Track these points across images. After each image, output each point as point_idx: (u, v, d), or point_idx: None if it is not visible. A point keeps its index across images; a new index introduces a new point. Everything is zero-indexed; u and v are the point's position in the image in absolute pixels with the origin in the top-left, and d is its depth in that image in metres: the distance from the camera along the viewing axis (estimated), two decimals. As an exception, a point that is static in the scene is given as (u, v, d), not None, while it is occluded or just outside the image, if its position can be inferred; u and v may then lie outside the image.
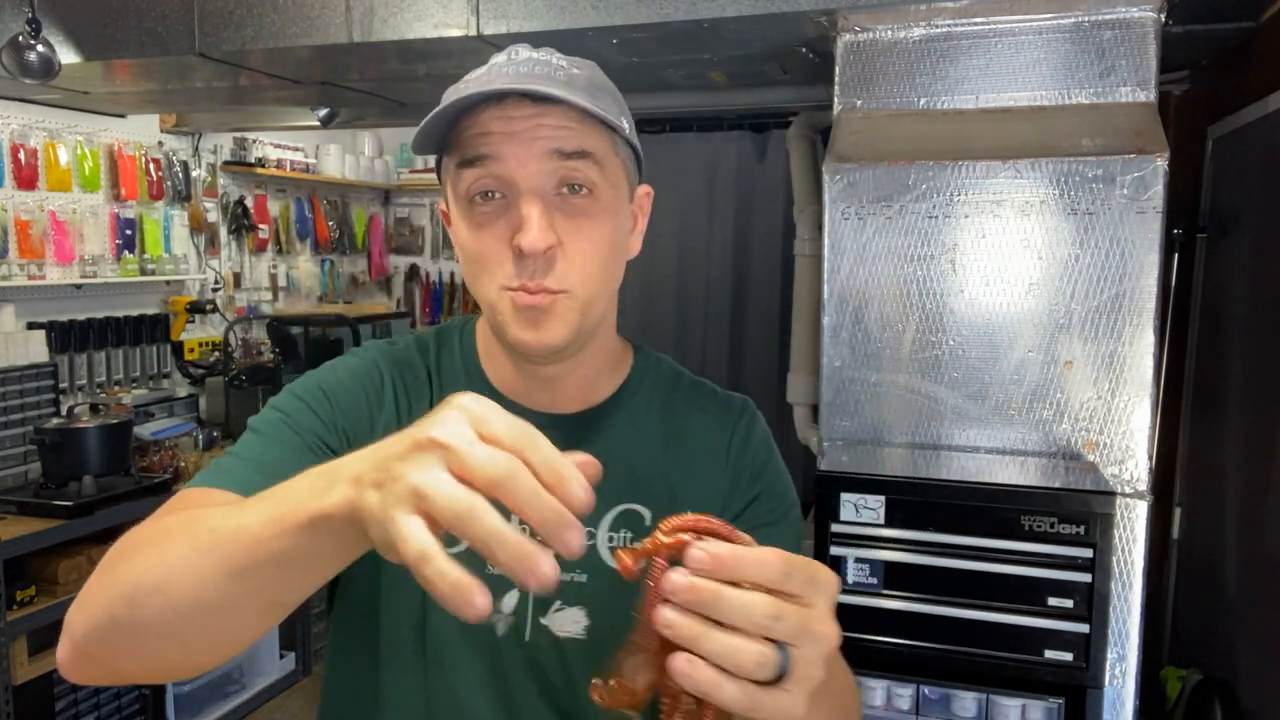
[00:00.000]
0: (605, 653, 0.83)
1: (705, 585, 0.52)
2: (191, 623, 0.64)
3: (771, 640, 0.52)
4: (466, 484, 0.50)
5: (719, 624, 0.52)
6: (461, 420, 0.52)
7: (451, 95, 0.80)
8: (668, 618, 0.52)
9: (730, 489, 0.94)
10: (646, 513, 0.91)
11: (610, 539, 0.90)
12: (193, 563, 0.63)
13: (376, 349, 0.96)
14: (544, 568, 0.50)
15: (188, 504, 0.79)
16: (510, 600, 0.88)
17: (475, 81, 0.81)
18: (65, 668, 0.71)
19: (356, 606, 0.90)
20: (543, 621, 0.88)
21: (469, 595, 0.49)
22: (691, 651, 0.52)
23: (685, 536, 0.55)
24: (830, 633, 0.54)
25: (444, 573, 0.49)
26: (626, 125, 0.86)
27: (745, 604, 0.52)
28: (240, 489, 0.77)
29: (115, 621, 0.66)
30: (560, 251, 0.81)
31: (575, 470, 0.52)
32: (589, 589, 0.88)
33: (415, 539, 0.50)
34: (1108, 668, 1.77)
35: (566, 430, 0.90)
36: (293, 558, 0.59)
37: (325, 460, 0.84)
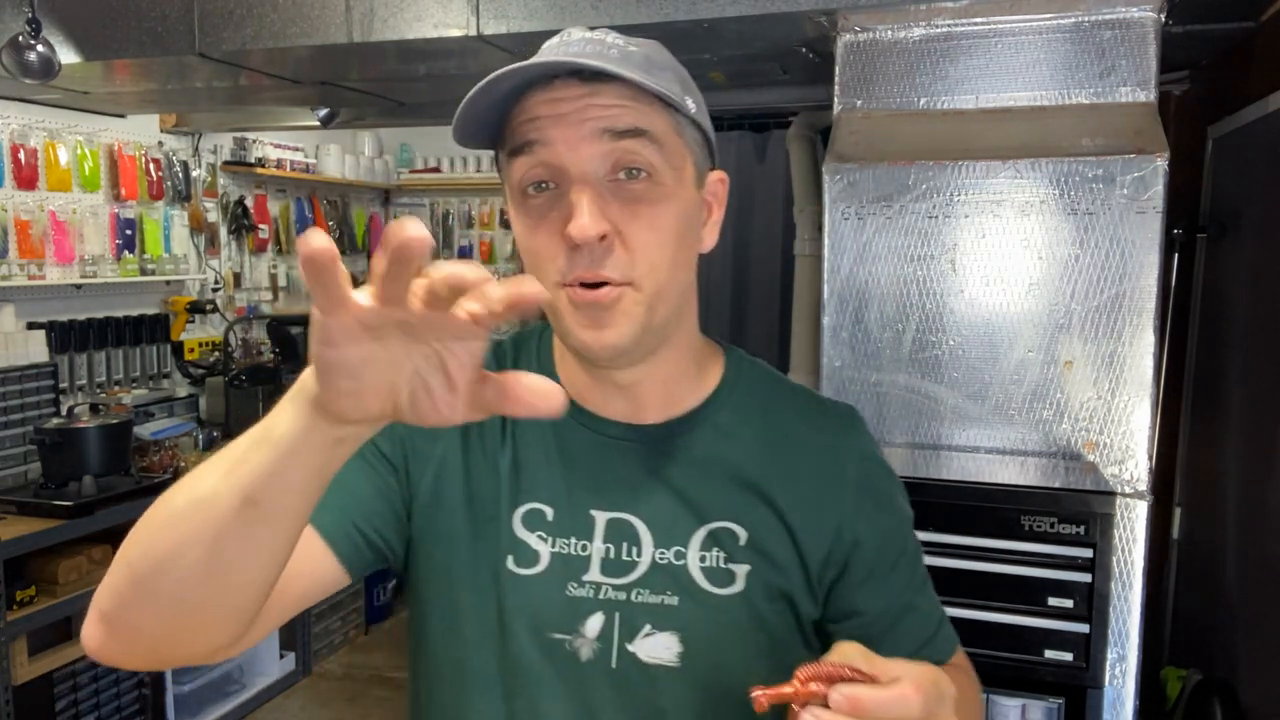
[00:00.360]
0: (701, 682, 0.80)
1: None
2: (187, 586, 0.63)
3: None
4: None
5: None
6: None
7: (491, 79, 0.75)
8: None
9: (852, 520, 0.85)
10: (742, 532, 0.83)
11: (702, 559, 0.82)
12: (177, 525, 0.63)
13: None
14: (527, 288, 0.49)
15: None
16: (594, 625, 0.82)
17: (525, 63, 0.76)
18: (95, 645, 0.69)
19: (434, 636, 0.86)
20: (629, 647, 0.81)
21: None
22: None
23: (819, 687, 0.60)
24: None
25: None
26: (692, 104, 0.78)
27: None
28: None
29: (124, 597, 0.66)
30: (618, 240, 0.74)
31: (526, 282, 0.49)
32: (681, 613, 0.81)
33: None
34: (1108, 668, 1.77)
35: (650, 442, 0.84)
36: (261, 488, 0.59)
37: (379, 468, 0.85)
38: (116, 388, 3.74)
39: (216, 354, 4.13)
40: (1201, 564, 2.44)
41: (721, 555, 0.82)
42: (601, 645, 0.81)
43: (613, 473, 0.84)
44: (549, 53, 0.76)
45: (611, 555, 0.82)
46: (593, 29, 0.79)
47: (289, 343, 4.07)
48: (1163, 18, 1.76)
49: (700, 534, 0.82)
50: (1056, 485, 1.79)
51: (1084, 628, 1.77)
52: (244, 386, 3.89)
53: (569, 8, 1.99)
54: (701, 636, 0.81)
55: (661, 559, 0.82)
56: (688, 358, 0.87)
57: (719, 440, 0.85)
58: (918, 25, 1.87)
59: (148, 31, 2.33)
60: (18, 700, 2.70)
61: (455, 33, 2.11)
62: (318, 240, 0.47)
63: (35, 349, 3.26)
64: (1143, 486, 1.75)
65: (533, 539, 0.83)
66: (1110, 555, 1.75)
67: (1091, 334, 1.75)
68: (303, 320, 4.28)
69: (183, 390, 4.06)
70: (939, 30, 1.87)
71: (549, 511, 0.84)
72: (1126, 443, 1.75)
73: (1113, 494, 1.76)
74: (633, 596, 0.82)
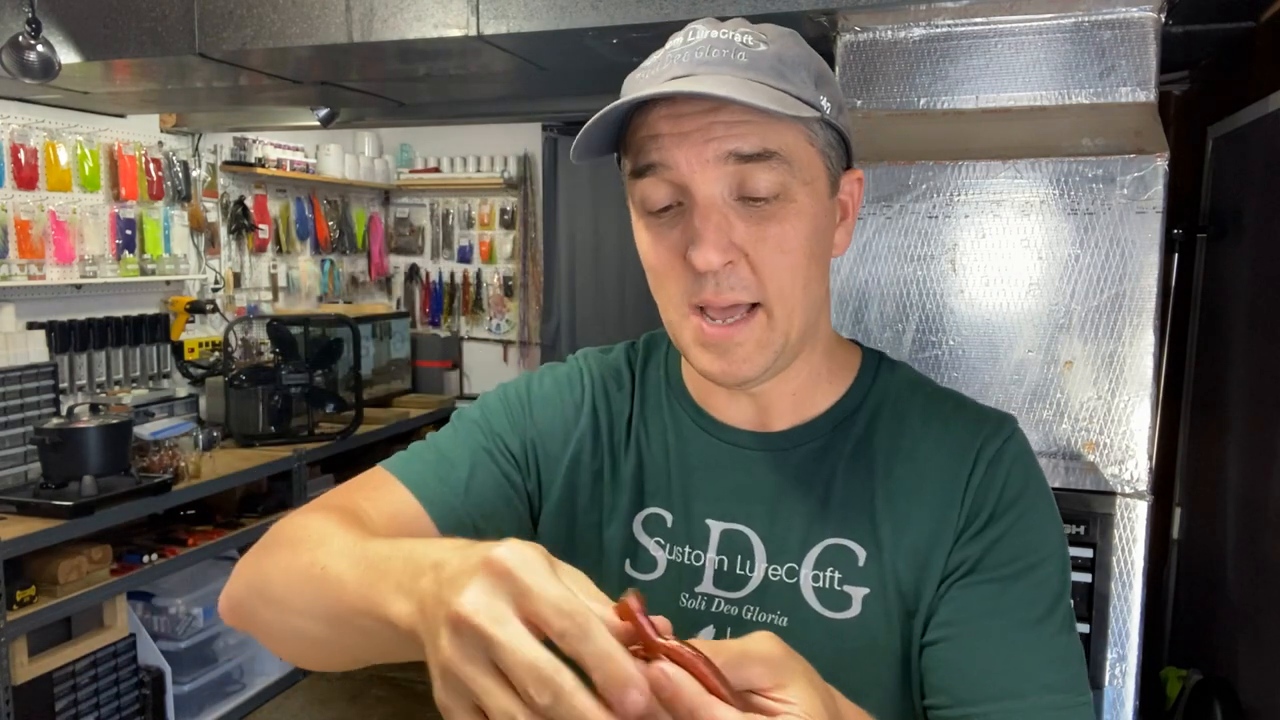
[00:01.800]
0: None
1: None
2: (298, 642, 0.68)
3: None
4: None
5: None
6: (497, 599, 0.46)
7: (626, 90, 0.72)
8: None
9: (962, 528, 0.76)
10: (860, 551, 0.77)
11: (815, 578, 0.77)
12: (304, 593, 0.65)
13: (589, 357, 0.90)
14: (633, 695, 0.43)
15: (369, 487, 0.81)
16: (705, 638, 0.76)
17: (647, 72, 0.73)
18: (223, 613, 0.74)
19: None
20: None
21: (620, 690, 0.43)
22: None
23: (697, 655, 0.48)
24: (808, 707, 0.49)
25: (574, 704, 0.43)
26: (826, 104, 0.73)
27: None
28: (416, 487, 0.80)
29: (251, 607, 0.71)
30: (745, 262, 0.71)
31: (631, 670, 0.44)
32: (791, 635, 0.75)
33: None
34: (1108, 668, 1.77)
35: (770, 451, 0.81)
36: (372, 636, 0.58)
37: (505, 466, 0.84)
38: (116, 388, 3.74)
39: (216, 354, 4.13)
40: (1201, 564, 2.44)
41: (837, 576, 0.77)
42: None
43: (730, 481, 0.82)
44: (672, 58, 0.72)
45: (725, 568, 0.80)
46: (723, 19, 0.75)
47: (289, 343, 4.07)
48: (1163, 18, 1.76)
49: (815, 551, 0.78)
50: (1056, 485, 1.79)
51: (1084, 628, 1.76)
52: (244, 386, 3.88)
53: (569, 8, 1.99)
54: (809, 657, 0.76)
55: (774, 576, 0.79)
56: (821, 365, 0.82)
57: (842, 450, 0.80)
58: (918, 25, 1.87)
59: (148, 31, 2.33)
60: (18, 700, 2.70)
61: (455, 33, 2.11)
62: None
63: (35, 349, 3.26)
64: (1143, 486, 1.75)
65: (651, 544, 0.82)
66: (1110, 555, 1.75)
67: (1091, 334, 1.75)
68: (302, 320, 4.29)
69: (183, 390, 4.06)
70: (939, 30, 1.87)
71: (668, 518, 0.82)
72: (1126, 443, 1.75)
73: (1113, 494, 1.76)
74: (744, 613, 0.79)
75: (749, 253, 0.71)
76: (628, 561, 0.82)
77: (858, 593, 0.77)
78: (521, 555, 0.47)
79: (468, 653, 0.46)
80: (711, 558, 0.80)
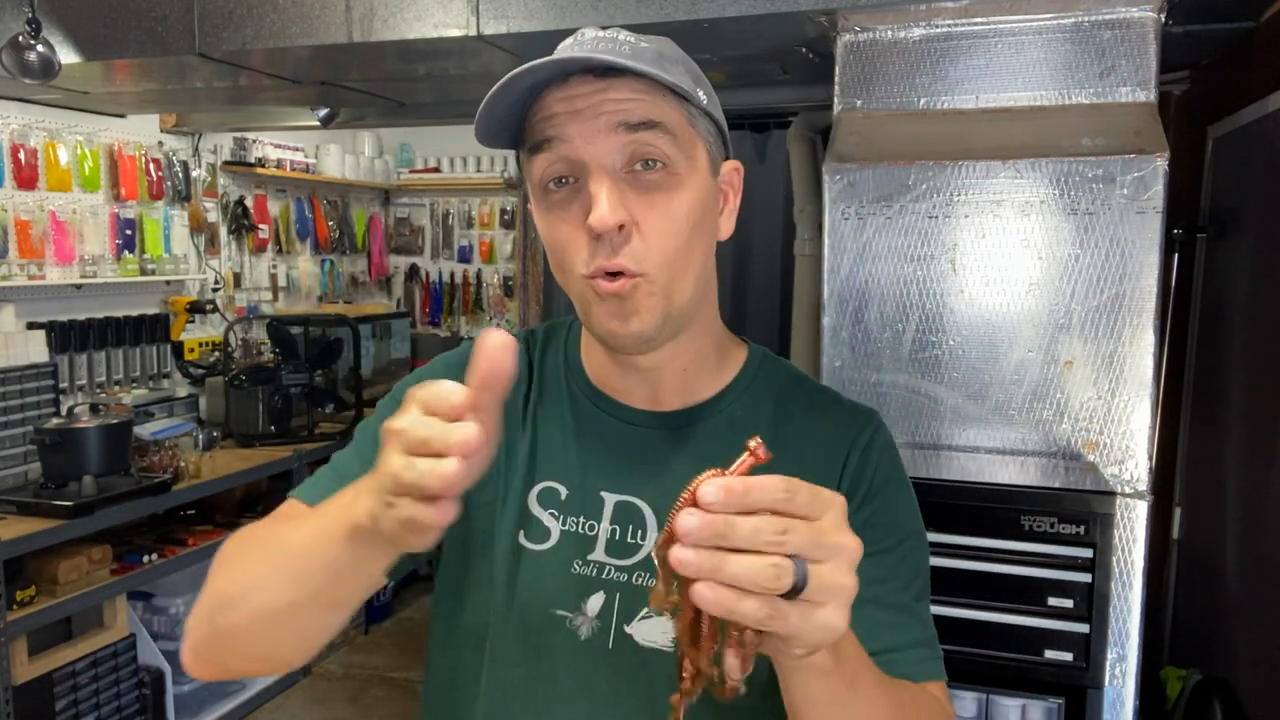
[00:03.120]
0: None
1: (714, 517, 0.52)
2: (272, 625, 0.73)
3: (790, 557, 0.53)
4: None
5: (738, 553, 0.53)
6: (413, 407, 0.59)
7: (506, 80, 0.77)
8: (682, 557, 0.52)
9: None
10: None
11: None
12: (265, 573, 0.73)
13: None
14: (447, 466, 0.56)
15: (280, 517, 0.87)
16: (595, 603, 0.84)
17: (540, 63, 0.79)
18: (189, 669, 0.80)
19: (449, 605, 0.89)
20: (627, 629, 0.83)
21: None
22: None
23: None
24: (847, 541, 0.55)
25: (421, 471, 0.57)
26: (703, 96, 0.80)
27: (753, 527, 0.52)
28: (314, 503, 0.84)
29: (216, 629, 0.76)
30: (635, 230, 0.76)
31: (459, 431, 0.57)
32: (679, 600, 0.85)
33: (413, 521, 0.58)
34: (1108, 668, 1.77)
35: (664, 429, 0.87)
36: (342, 563, 0.67)
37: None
38: (116, 388, 3.74)
39: (216, 354, 4.13)
40: (1201, 564, 2.44)
41: None
42: (600, 624, 0.83)
43: (626, 456, 0.87)
44: (563, 52, 0.78)
45: (617, 536, 0.85)
46: (605, 28, 0.81)
47: (289, 343, 4.07)
48: (1163, 18, 1.76)
49: None
50: (1056, 485, 1.79)
51: (1084, 628, 1.77)
52: (244, 386, 3.88)
53: (569, 8, 1.99)
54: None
55: None
56: (709, 346, 0.89)
57: (730, 431, 0.87)
58: (918, 25, 1.87)
59: (148, 31, 2.33)
60: (18, 700, 2.70)
61: (455, 33, 2.11)
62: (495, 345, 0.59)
63: (35, 349, 3.26)
64: (1143, 486, 1.75)
65: (545, 516, 0.86)
66: (1110, 555, 1.75)
67: (1091, 334, 1.75)
68: (302, 320, 4.29)
69: (183, 390, 4.06)
70: (939, 30, 1.87)
71: (562, 491, 0.86)
72: (1126, 443, 1.75)
73: (1113, 494, 1.76)
74: (634, 579, 0.83)
75: (639, 219, 0.76)
76: (521, 533, 0.86)
77: None
78: (430, 384, 0.60)
79: (391, 452, 0.59)
80: (605, 527, 0.85)
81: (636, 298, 0.77)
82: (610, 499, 0.86)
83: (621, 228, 0.75)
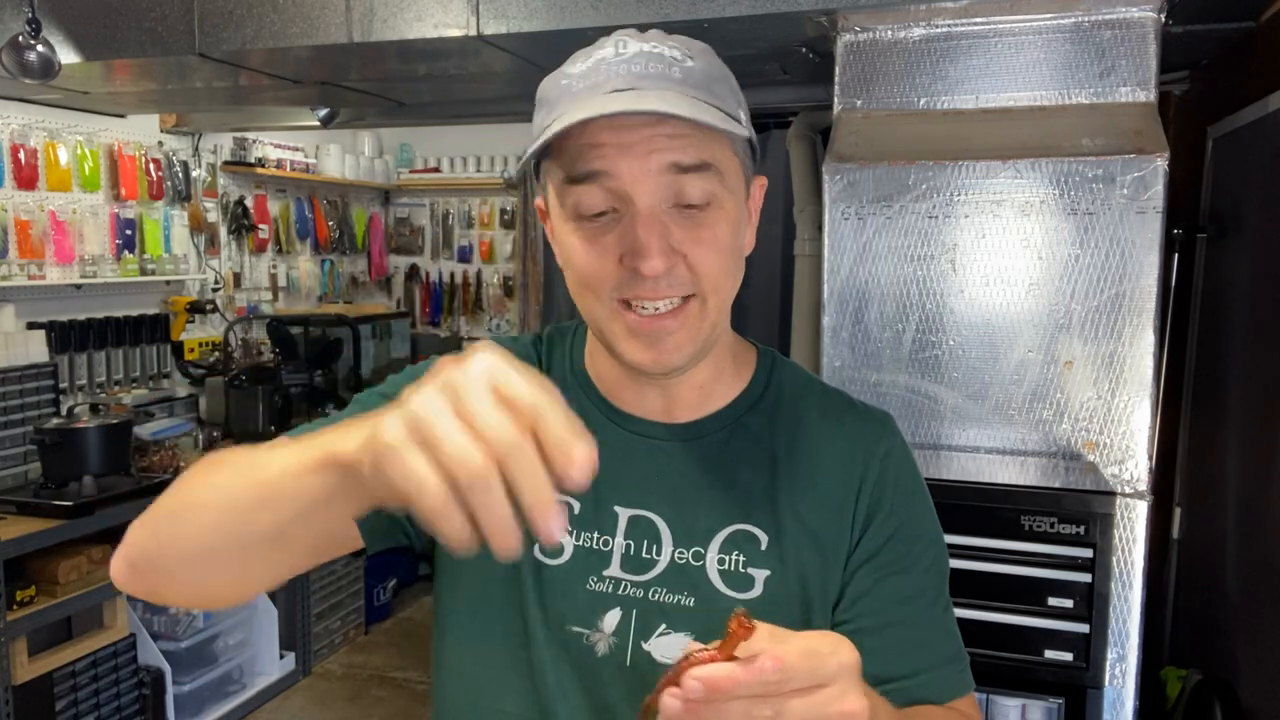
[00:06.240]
0: None
1: (698, 708, 0.51)
2: (213, 547, 0.69)
3: None
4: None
5: None
6: (481, 375, 0.51)
7: (555, 96, 0.75)
8: None
9: (864, 523, 0.84)
10: (763, 536, 0.82)
11: (720, 561, 0.82)
12: (231, 483, 0.68)
13: (493, 347, 0.91)
14: (552, 524, 0.49)
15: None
16: (611, 619, 0.82)
17: (581, 80, 0.76)
18: (116, 578, 0.76)
19: (459, 621, 0.87)
20: (645, 646, 0.81)
21: (536, 520, 0.49)
22: None
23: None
24: (856, 708, 0.54)
25: (491, 505, 0.48)
26: (744, 116, 0.80)
27: (742, 712, 0.52)
28: None
29: (157, 539, 0.73)
30: (683, 263, 0.76)
31: (583, 447, 0.50)
32: (697, 615, 0.81)
33: (417, 474, 0.49)
34: (1108, 668, 1.77)
35: (677, 441, 0.85)
36: (306, 495, 0.62)
37: None
38: (116, 388, 3.74)
39: (216, 354, 4.13)
40: (1201, 564, 2.44)
41: (741, 559, 0.82)
42: (617, 641, 0.82)
43: (639, 470, 0.85)
44: (607, 69, 0.75)
45: (631, 552, 0.83)
46: (644, 34, 0.79)
47: (289, 343, 4.07)
48: (1163, 18, 1.76)
49: (721, 536, 0.82)
50: (1056, 485, 1.79)
51: (1084, 628, 1.77)
52: (244, 386, 3.88)
53: (569, 8, 1.99)
54: (715, 636, 0.82)
55: (680, 559, 0.82)
56: (725, 358, 0.88)
57: (744, 441, 0.86)
58: (918, 25, 1.87)
59: (148, 31, 2.33)
60: (18, 700, 2.70)
61: (455, 33, 2.11)
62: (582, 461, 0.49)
63: (35, 349, 3.26)
64: (1143, 486, 1.75)
65: None
66: (1110, 555, 1.75)
67: (1091, 334, 1.75)
68: (302, 320, 4.29)
69: (183, 390, 4.06)
70: (939, 30, 1.87)
71: (576, 505, 0.84)
72: (1126, 443, 1.75)
73: (1113, 494, 1.76)
74: (650, 595, 0.82)
75: (686, 253, 0.76)
76: (536, 547, 0.84)
77: (760, 574, 0.82)
78: (487, 359, 0.52)
79: (435, 404, 0.50)
80: (619, 542, 0.84)
81: (680, 320, 0.76)
82: (624, 514, 0.84)
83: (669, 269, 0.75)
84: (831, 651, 0.55)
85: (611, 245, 0.75)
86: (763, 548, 0.82)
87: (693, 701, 0.51)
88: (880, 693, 0.74)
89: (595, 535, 0.84)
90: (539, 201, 0.84)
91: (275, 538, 0.66)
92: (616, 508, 0.84)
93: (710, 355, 0.84)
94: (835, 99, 1.94)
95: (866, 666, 0.77)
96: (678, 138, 0.73)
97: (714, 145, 0.76)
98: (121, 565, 0.75)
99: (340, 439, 0.59)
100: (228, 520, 0.67)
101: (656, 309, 0.76)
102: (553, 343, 0.93)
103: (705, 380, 0.86)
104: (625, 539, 0.83)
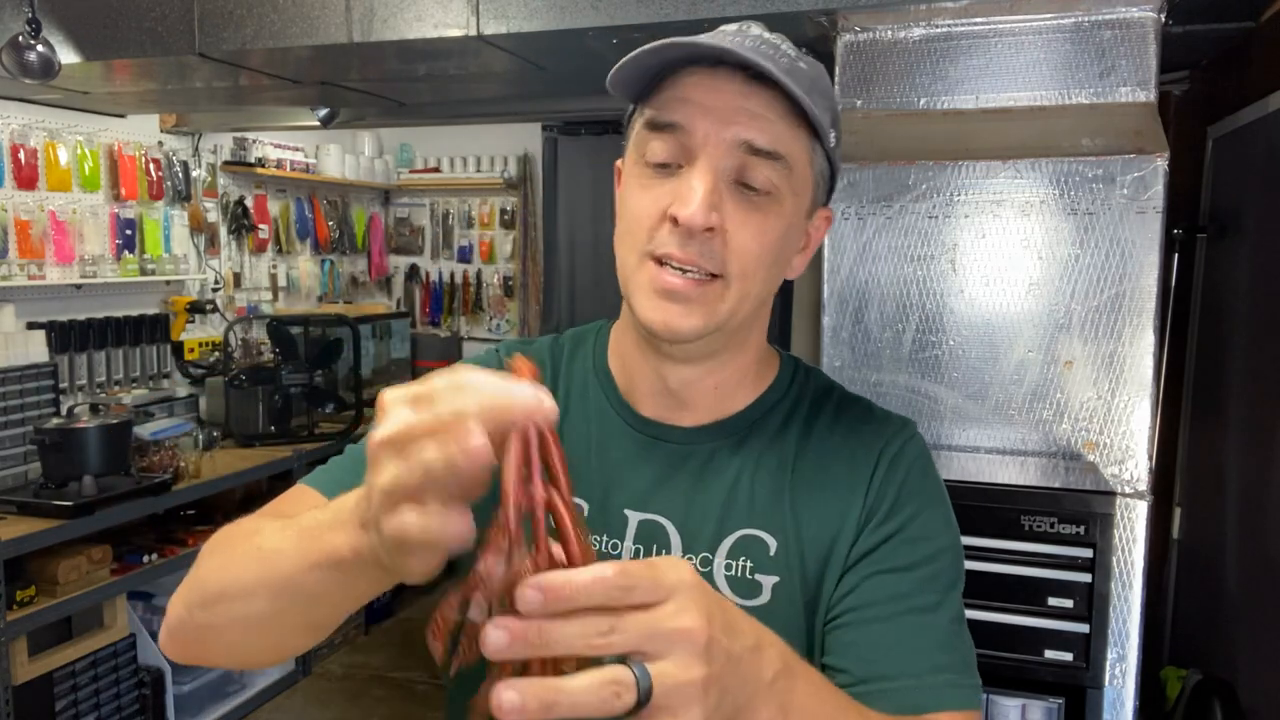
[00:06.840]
0: None
1: (525, 627, 0.46)
2: (246, 632, 0.70)
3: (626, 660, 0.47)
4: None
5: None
6: (396, 411, 0.51)
7: (666, 43, 0.75)
8: (503, 700, 0.45)
9: (864, 522, 0.81)
10: (771, 541, 0.81)
11: (728, 567, 0.81)
12: (244, 577, 0.68)
13: (504, 350, 0.92)
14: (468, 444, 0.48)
15: (288, 502, 0.83)
16: None
17: (701, 37, 0.76)
18: (165, 650, 0.77)
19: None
20: None
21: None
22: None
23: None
24: (691, 625, 0.48)
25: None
26: (834, 136, 0.79)
27: (572, 632, 0.46)
28: (331, 492, 0.79)
29: (193, 621, 0.73)
30: (721, 236, 0.75)
31: (479, 438, 0.48)
32: None
33: (416, 530, 0.50)
34: (1108, 668, 1.77)
35: (689, 444, 0.84)
36: (320, 589, 0.62)
37: None
38: (116, 388, 3.74)
39: (216, 354, 4.13)
40: (1201, 564, 2.44)
41: (749, 565, 0.81)
42: None
43: (649, 473, 0.84)
44: (730, 39, 0.75)
45: (640, 556, 0.83)
46: (771, 31, 0.80)
47: (289, 343, 4.07)
48: (1163, 18, 1.76)
49: (728, 542, 0.81)
50: (1056, 485, 1.79)
51: (1084, 628, 1.77)
52: (244, 386, 3.88)
53: (569, 8, 1.99)
54: None
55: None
56: (750, 365, 0.87)
57: (759, 446, 0.84)
58: (918, 25, 1.87)
59: (148, 31, 2.33)
60: (18, 700, 2.70)
61: (455, 33, 2.11)
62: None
63: (35, 349, 3.26)
64: (1143, 486, 1.75)
65: None
66: (1110, 555, 1.75)
67: (1091, 334, 1.75)
68: (302, 320, 4.29)
69: (183, 390, 4.06)
70: (939, 30, 1.87)
71: (585, 507, 0.84)
72: (1126, 443, 1.75)
73: (1113, 494, 1.76)
74: None
75: (728, 229, 0.75)
76: None
77: (768, 581, 0.81)
78: (400, 388, 0.53)
79: (382, 468, 0.51)
80: (628, 546, 0.83)
81: (699, 294, 0.75)
82: (634, 517, 0.83)
83: (709, 230, 0.74)
84: (671, 566, 0.50)
85: (662, 196, 0.75)
86: (771, 553, 0.81)
87: (520, 629, 0.46)
88: (863, 693, 0.73)
89: (604, 539, 0.83)
90: (619, 163, 0.84)
91: (299, 625, 0.68)
92: (626, 511, 0.84)
93: (730, 361, 0.84)
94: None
95: (845, 662, 0.77)
96: (759, 119, 0.74)
97: (792, 142, 0.76)
98: (166, 638, 0.76)
99: (329, 531, 0.60)
100: (254, 609, 0.67)
101: (684, 272, 0.75)
102: (575, 344, 0.93)
103: (722, 383, 0.85)
104: (634, 543, 0.83)
